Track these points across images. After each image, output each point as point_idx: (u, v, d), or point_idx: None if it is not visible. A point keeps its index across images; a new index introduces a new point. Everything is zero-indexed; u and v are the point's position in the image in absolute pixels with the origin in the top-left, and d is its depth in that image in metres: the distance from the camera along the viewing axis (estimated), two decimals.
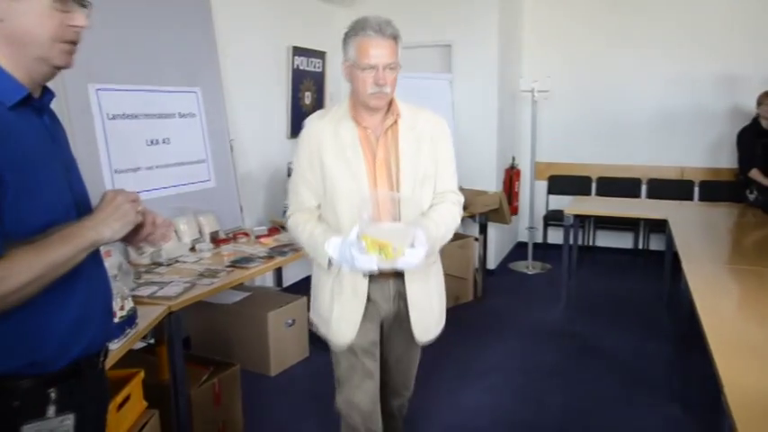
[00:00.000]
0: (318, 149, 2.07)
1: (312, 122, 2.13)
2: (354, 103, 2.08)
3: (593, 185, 6.69)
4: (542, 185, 6.78)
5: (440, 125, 2.17)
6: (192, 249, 3.39)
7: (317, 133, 2.08)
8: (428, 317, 2.22)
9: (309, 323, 2.40)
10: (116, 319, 2.07)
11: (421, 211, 2.11)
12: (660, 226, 4.72)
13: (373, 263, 1.85)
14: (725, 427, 1.66)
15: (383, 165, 2.06)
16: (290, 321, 3.78)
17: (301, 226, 2.10)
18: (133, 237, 1.46)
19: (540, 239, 6.72)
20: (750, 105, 5.47)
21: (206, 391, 2.81)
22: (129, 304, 2.21)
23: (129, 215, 1.37)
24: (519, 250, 6.57)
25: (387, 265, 1.88)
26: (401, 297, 2.15)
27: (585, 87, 6.56)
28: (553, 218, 6.55)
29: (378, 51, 1.93)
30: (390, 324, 2.25)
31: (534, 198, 6.63)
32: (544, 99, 6.23)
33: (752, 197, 5.22)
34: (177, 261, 3.17)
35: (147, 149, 3.46)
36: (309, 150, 2.09)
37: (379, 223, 1.95)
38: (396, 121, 2.08)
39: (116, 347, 2.03)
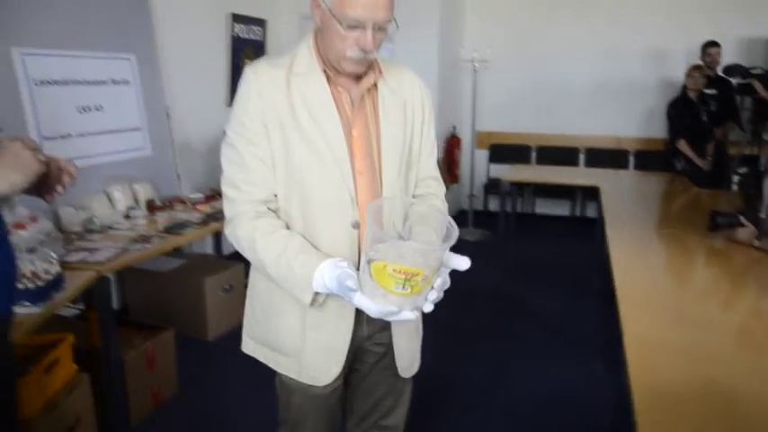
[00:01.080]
0: (275, 111, 1.39)
1: (261, 69, 1.42)
2: (321, 54, 1.44)
3: (533, 154, 6.85)
4: (483, 154, 6.91)
5: (426, 90, 1.61)
6: (127, 217, 3.38)
7: (271, 86, 1.40)
8: (414, 344, 1.70)
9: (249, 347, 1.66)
10: (40, 284, 2.08)
11: (406, 209, 1.50)
12: (596, 193, 4.87)
13: (394, 304, 1.23)
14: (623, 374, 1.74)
15: (361, 142, 1.45)
16: (227, 287, 3.81)
17: (261, 243, 1.39)
18: (40, 187, 1.37)
19: (480, 207, 6.88)
20: (678, 77, 5.68)
21: (139, 355, 2.84)
22: (56, 269, 2.22)
23: (30, 164, 1.27)
24: (460, 218, 6.69)
25: (409, 306, 1.25)
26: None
27: (525, 57, 6.68)
28: (493, 186, 6.69)
29: (370, 2, 1.30)
30: (364, 350, 1.62)
31: (475, 166, 6.76)
32: (485, 69, 6.32)
33: (679, 166, 5.44)
34: (110, 228, 3.16)
35: (78, 117, 3.40)
36: (261, 110, 1.39)
37: (395, 241, 1.24)
38: (375, 83, 1.49)
39: (39, 311, 2.05)
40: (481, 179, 6.96)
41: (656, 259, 2.91)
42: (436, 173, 1.67)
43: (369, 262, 1.21)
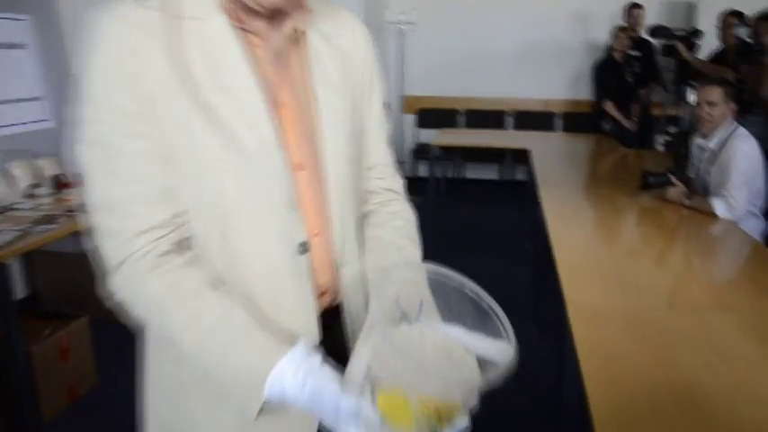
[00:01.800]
0: (158, 78, 0.86)
1: (128, 11, 0.87)
2: None
3: (462, 118, 6.79)
4: (411, 119, 6.80)
5: (370, 40, 1.11)
6: (30, 196, 3.10)
7: (147, 38, 0.87)
8: None
9: None
10: None
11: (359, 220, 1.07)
12: (524, 157, 4.85)
13: None
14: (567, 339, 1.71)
15: (293, 117, 0.96)
16: None
17: (178, 317, 0.89)
18: None
19: (409, 173, 6.78)
20: (603, 40, 5.70)
21: (50, 347, 2.61)
22: None
23: None
24: None
25: None
26: None
27: (453, 20, 6.56)
28: (422, 151, 6.60)
29: None
30: None
31: (403, 132, 6.64)
32: (411, 32, 6.18)
33: (606, 127, 5.48)
34: (11, 209, 2.88)
35: None
36: (138, 76, 0.86)
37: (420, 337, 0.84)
38: (304, 31, 0.99)
39: None
40: (409, 145, 6.85)
41: (589, 220, 2.90)
42: (388, 158, 1.16)
43: (370, 384, 0.76)
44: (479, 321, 0.83)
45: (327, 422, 0.80)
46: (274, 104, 0.93)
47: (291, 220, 0.93)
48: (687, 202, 2.90)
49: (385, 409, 0.75)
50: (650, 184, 3.12)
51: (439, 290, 0.89)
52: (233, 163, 0.88)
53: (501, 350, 0.80)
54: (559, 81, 6.58)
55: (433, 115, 6.78)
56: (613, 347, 1.58)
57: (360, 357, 0.80)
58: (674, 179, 2.99)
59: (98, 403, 2.78)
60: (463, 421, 0.77)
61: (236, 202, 0.90)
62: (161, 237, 0.89)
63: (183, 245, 0.92)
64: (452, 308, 0.86)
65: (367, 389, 0.77)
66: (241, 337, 0.88)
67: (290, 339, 0.88)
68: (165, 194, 0.89)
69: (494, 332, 0.81)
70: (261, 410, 0.87)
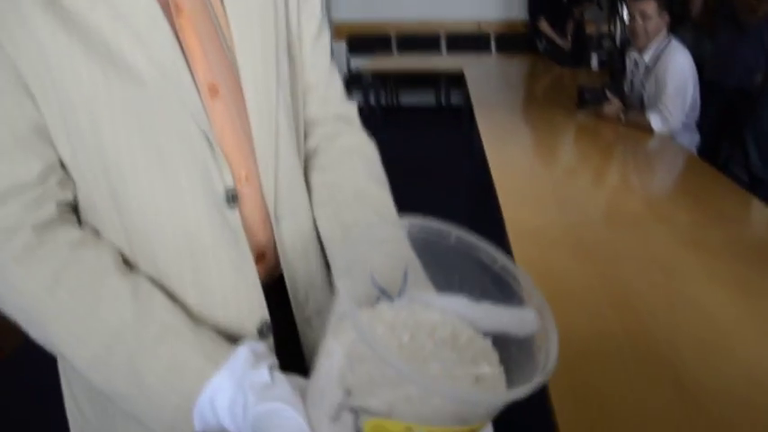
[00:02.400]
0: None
1: None
2: None
3: (394, 43, 6.60)
4: (341, 47, 6.56)
5: None
6: None
7: None
8: None
9: None
10: None
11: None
12: (460, 80, 4.75)
13: None
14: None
15: (194, 25, 0.69)
16: None
17: (63, 309, 0.63)
18: None
19: None
20: None
21: None
22: None
23: None
24: None
25: None
26: None
27: None
28: (355, 80, 6.40)
29: None
30: None
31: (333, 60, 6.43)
32: None
33: (541, 47, 5.41)
34: None
35: None
36: None
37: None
38: None
39: None
40: (341, 73, 6.63)
41: (527, 141, 2.86)
42: (334, 77, 0.92)
43: (355, 413, 0.49)
44: (490, 290, 0.58)
45: None
46: (167, 6, 0.67)
47: (210, 162, 0.69)
48: (624, 117, 2.87)
49: None
50: (586, 100, 3.08)
51: (427, 251, 0.61)
52: (118, 91, 0.64)
53: (524, 319, 0.54)
54: (492, 1, 6.43)
55: (363, 41, 6.55)
56: (553, 264, 1.55)
57: (330, 362, 0.51)
58: (610, 94, 2.95)
59: (24, 363, 2.62)
60: None
61: (128, 148, 0.65)
62: (33, 201, 0.63)
63: (66, 212, 0.68)
64: (450, 275, 0.60)
65: (345, 415, 0.49)
66: (155, 349, 0.62)
67: (223, 344, 0.64)
68: (30, 140, 0.63)
69: (510, 300, 0.56)
70: None
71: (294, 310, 0.81)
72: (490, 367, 0.52)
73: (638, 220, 1.82)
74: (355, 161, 0.86)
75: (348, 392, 0.48)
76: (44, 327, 0.64)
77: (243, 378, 0.58)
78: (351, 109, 0.93)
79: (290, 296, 0.80)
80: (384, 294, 0.59)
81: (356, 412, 0.48)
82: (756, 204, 1.93)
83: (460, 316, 0.56)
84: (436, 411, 0.45)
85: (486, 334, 0.55)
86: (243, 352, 0.61)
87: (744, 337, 1.22)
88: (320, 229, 0.83)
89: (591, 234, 1.73)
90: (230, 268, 0.72)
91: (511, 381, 0.51)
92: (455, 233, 0.59)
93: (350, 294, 0.48)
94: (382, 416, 0.46)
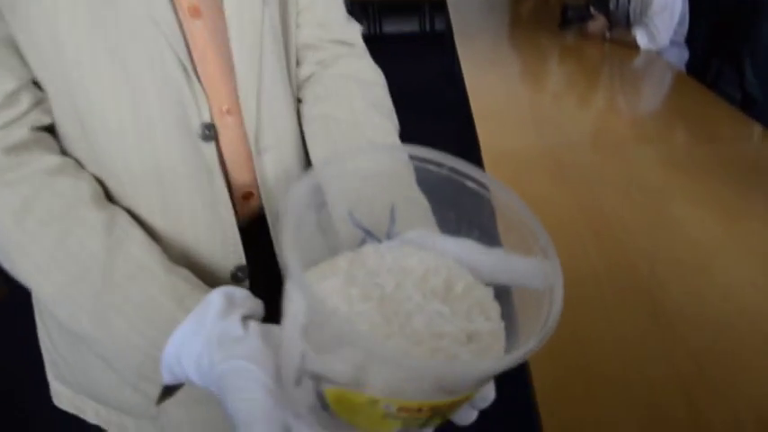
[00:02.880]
0: None
1: None
2: None
3: None
4: None
5: None
6: None
7: None
8: None
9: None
10: None
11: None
12: (443, 5, 4.58)
13: None
14: None
15: None
16: None
17: (30, 239, 0.56)
18: None
19: None
20: None
21: None
22: None
23: None
24: None
25: None
26: None
27: None
28: None
29: None
30: None
31: None
32: None
33: None
34: None
35: None
36: None
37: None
38: None
39: None
40: None
41: (509, 65, 2.74)
42: (345, 17, 0.83)
43: (316, 381, 0.39)
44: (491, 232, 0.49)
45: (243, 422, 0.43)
46: None
47: (185, 93, 0.61)
48: (608, 34, 2.75)
49: (339, 408, 0.39)
50: (570, 19, 2.95)
51: (436, 187, 0.49)
52: (82, 3, 0.56)
53: (534, 270, 0.44)
54: None
55: None
56: (529, 188, 1.49)
57: (291, 318, 0.40)
58: (594, 11, 2.82)
59: (7, 315, 2.57)
60: (471, 414, 0.46)
61: (92, 69, 0.58)
62: (3, 122, 0.56)
63: (45, 137, 0.60)
64: (460, 216, 0.50)
65: (306, 381, 0.40)
66: (124, 288, 0.55)
67: (199, 289, 0.56)
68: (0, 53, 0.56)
69: (519, 248, 0.46)
70: (168, 393, 0.56)
71: (277, 254, 0.72)
72: (488, 323, 0.42)
73: (622, 142, 1.75)
74: (352, 87, 0.74)
75: (304, 356, 0.39)
76: (10, 255, 0.57)
77: (211, 329, 0.49)
78: (353, 32, 0.81)
79: (272, 236, 0.71)
80: (370, 235, 0.50)
81: (317, 378, 0.38)
82: (747, 123, 1.85)
83: (462, 262, 0.46)
84: (411, 381, 0.36)
85: (492, 286, 0.46)
86: (215, 299, 0.51)
87: (725, 260, 1.16)
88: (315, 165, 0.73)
89: (570, 157, 1.66)
90: (203, 205, 0.64)
91: (514, 338, 0.42)
92: (449, 163, 0.48)
93: (291, 238, 0.38)
94: (345, 385, 0.37)
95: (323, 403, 0.39)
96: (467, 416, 0.45)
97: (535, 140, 1.78)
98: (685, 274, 1.12)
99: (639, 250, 1.20)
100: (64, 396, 0.83)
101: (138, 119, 0.60)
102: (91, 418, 0.82)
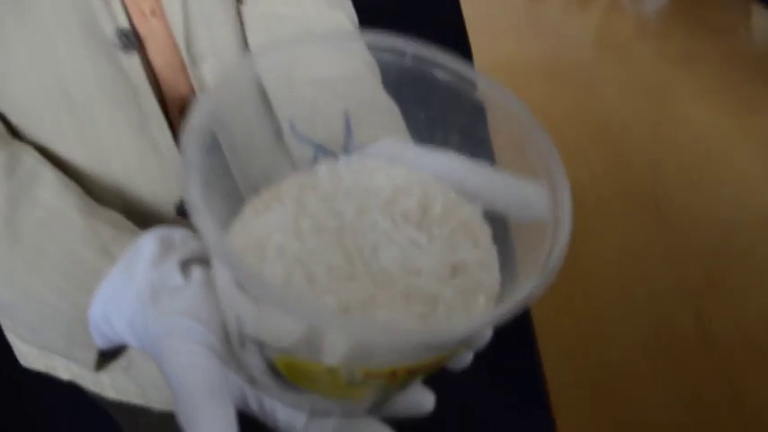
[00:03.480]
0: None
1: None
2: None
3: None
4: None
5: None
6: None
7: None
8: None
9: None
10: None
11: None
12: None
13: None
14: None
15: None
16: None
17: None
18: None
19: None
20: None
21: None
22: None
23: None
24: None
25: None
26: None
27: None
28: None
29: None
30: None
31: None
32: None
33: None
34: None
35: None
36: None
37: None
38: None
39: None
40: None
41: None
42: None
43: (259, 347, 0.31)
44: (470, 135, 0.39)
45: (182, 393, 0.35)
46: None
47: None
48: None
49: (294, 377, 0.33)
50: None
51: (398, 83, 0.40)
52: None
53: (535, 194, 0.33)
54: None
55: None
56: (527, 95, 1.37)
57: (221, 279, 0.34)
58: None
59: None
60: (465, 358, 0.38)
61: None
62: None
63: None
64: (432, 118, 0.40)
65: (250, 345, 0.34)
66: (35, 240, 0.46)
67: (127, 233, 0.45)
68: None
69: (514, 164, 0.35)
70: (110, 357, 0.48)
71: (237, 179, 0.59)
72: (476, 250, 0.34)
73: (625, 41, 1.65)
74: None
75: (240, 319, 0.31)
76: None
77: (143, 280, 0.39)
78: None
79: (229, 162, 0.59)
80: (322, 151, 0.40)
81: (260, 344, 0.31)
82: (759, 12, 1.73)
83: (436, 174, 0.37)
84: (379, 346, 0.29)
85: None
86: (146, 243, 0.41)
87: (734, 159, 1.09)
88: (262, 75, 0.60)
89: (569, 59, 1.56)
90: (130, 129, 0.53)
91: (509, 268, 0.34)
92: (411, 50, 0.37)
93: (193, 167, 0.29)
94: (293, 352, 0.30)
95: (274, 371, 0.32)
96: (460, 361, 0.38)
97: (532, 45, 1.69)
98: (691, 175, 1.05)
99: (642, 152, 1.12)
100: (30, 355, 0.75)
101: (30, 29, 0.49)
102: (63, 374, 0.74)
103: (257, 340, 0.30)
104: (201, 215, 0.26)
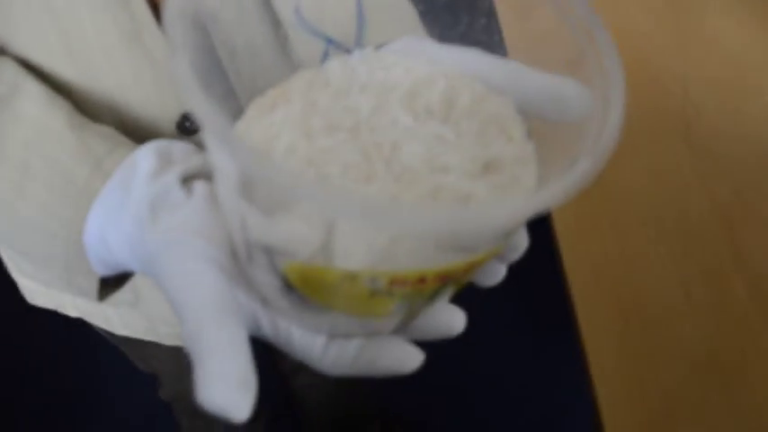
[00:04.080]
0: None
1: None
2: None
3: None
4: None
5: None
6: None
7: None
8: None
9: None
10: None
11: None
12: None
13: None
14: None
15: None
16: None
17: None
18: None
19: None
20: None
21: None
22: None
23: None
24: None
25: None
26: None
27: None
28: None
29: None
30: None
31: None
32: None
33: None
34: None
35: None
36: None
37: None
38: None
39: None
40: None
41: None
42: None
43: (268, 255, 0.27)
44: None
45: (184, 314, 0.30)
46: None
47: None
48: None
49: (308, 289, 0.28)
50: None
51: None
52: None
53: (577, 92, 0.31)
54: None
55: None
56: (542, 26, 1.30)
57: (222, 173, 0.28)
58: None
59: None
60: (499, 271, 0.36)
61: None
62: None
63: None
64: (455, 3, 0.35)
65: (258, 255, 0.29)
66: (23, 160, 0.40)
67: (121, 146, 0.41)
68: None
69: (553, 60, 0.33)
70: (115, 286, 0.45)
71: (235, 90, 0.55)
72: (510, 144, 0.30)
73: None
74: None
75: (244, 223, 0.27)
76: None
77: (141, 197, 0.35)
78: None
79: (225, 67, 0.54)
80: (332, 44, 0.36)
81: (268, 252, 0.27)
82: None
83: (462, 69, 0.32)
84: (404, 241, 0.24)
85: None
86: (143, 157, 0.37)
87: (764, 72, 1.02)
88: None
89: None
90: (120, 37, 0.46)
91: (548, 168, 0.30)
92: None
93: (181, 46, 0.23)
94: (307, 257, 0.25)
95: (286, 283, 0.27)
96: (493, 274, 0.35)
97: None
98: (723, 94, 0.99)
99: (669, 70, 1.06)
100: (37, 293, 0.72)
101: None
102: (71, 311, 0.73)
103: (266, 248, 0.26)
104: (195, 95, 0.21)
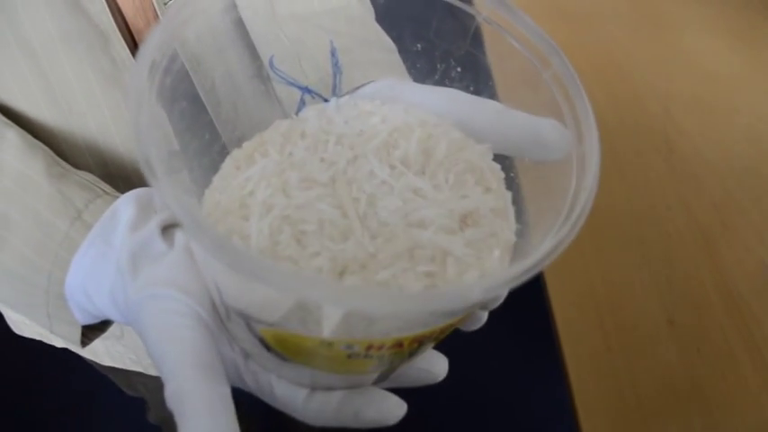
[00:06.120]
0: None
1: None
2: None
3: None
4: None
5: None
6: None
7: None
8: None
9: None
10: None
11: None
12: None
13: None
14: None
15: None
16: None
17: None
18: None
19: None
20: None
21: None
22: None
23: None
24: None
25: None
26: None
27: None
28: None
29: None
30: None
31: None
32: None
33: None
34: None
35: None
36: None
37: None
38: None
39: None
40: None
41: None
42: None
43: (244, 319, 0.27)
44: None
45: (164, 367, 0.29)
46: None
47: None
48: None
49: (287, 351, 0.28)
50: None
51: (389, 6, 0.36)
52: None
53: (554, 134, 0.30)
54: None
55: None
56: None
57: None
58: None
59: None
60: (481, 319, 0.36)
61: None
62: None
63: None
64: (431, 47, 0.34)
65: (235, 317, 0.29)
66: (8, 207, 0.39)
67: (101, 193, 0.40)
68: None
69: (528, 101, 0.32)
70: (97, 331, 0.44)
71: (219, 130, 0.54)
72: (488, 195, 0.29)
73: None
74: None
75: (219, 288, 0.27)
76: None
77: (122, 248, 0.35)
78: None
79: (209, 109, 0.53)
80: (308, 93, 0.34)
81: (244, 317, 0.27)
82: None
83: (443, 118, 0.32)
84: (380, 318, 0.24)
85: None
86: (123, 206, 0.36)
87: (749, 97, 1.04)
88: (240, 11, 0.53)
89: None
90: (100, 80, 0.45)
91: (523, 219, 0.30)
92: None
93: (140, 97, 0.24)
94: (281, 325, 0.25)
95: (265, 344, 0.27)
96: (474, 321, 0.34)
97: None
98: (703, 114, 1.00)
99: (651, 88, 1.07)
100: (23, 324, 0.70)
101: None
102: (57, 342, 0.71)
103: (241, 314, 0.26)
104: (160, 180, 0.21)
